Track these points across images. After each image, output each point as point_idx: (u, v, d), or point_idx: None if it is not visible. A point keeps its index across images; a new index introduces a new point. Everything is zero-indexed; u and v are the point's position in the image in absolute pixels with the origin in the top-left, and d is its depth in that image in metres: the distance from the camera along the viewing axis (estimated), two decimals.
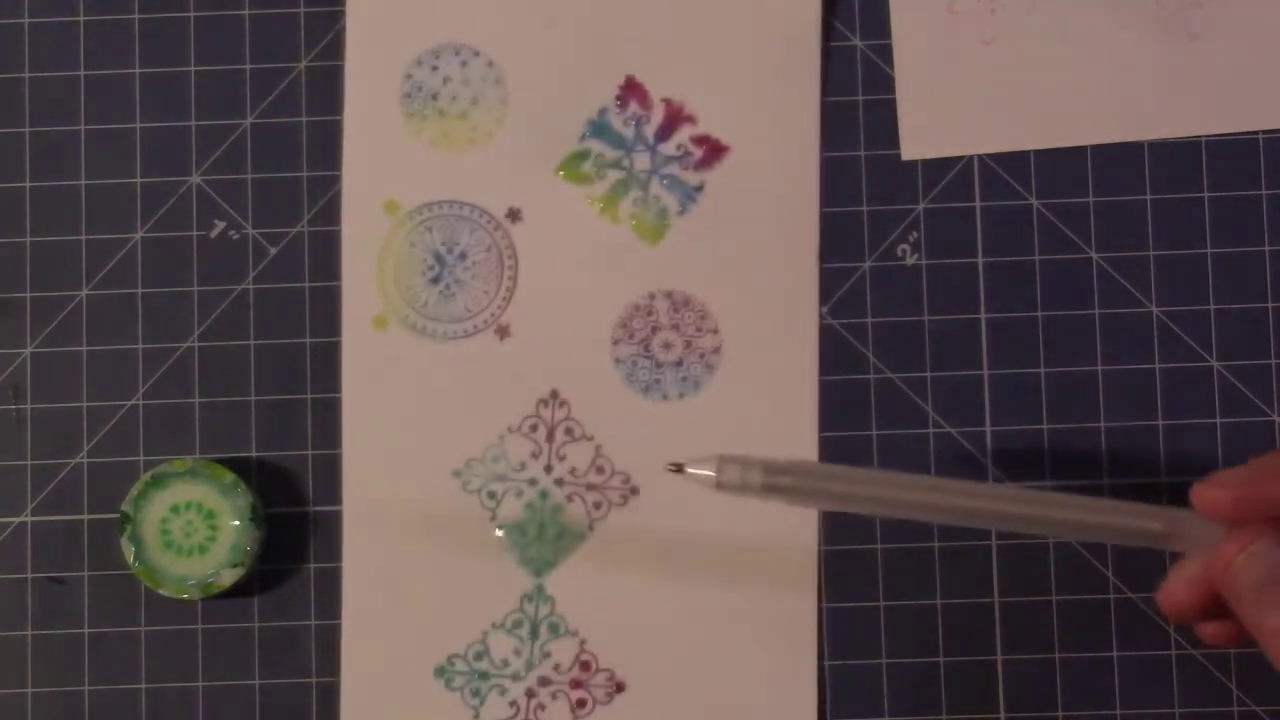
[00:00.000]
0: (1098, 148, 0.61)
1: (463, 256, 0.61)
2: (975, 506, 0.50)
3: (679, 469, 0.51)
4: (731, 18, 0.61)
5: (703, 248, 0.60)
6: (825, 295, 0.60)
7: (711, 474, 0.50)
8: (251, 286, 0.61)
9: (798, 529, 0.59)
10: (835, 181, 0.61)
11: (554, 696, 0.59)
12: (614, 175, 0.61)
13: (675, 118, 0.61)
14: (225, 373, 0.60)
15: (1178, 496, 0.59)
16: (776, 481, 0.50)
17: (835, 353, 0.60)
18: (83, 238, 0.61)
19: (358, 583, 0.60)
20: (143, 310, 0.61)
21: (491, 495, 0.60)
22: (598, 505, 0.60)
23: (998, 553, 0.60)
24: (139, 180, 0.61)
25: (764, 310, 0.60)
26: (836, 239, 0.61)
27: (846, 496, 0.51)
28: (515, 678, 0.59)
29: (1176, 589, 0.49)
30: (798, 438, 0.60)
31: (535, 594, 0.59)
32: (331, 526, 0.60)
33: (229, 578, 0.58)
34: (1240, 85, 0.60)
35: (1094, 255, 0.60)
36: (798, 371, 0.60)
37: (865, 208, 0.61)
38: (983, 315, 0.60)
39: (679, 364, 0.60)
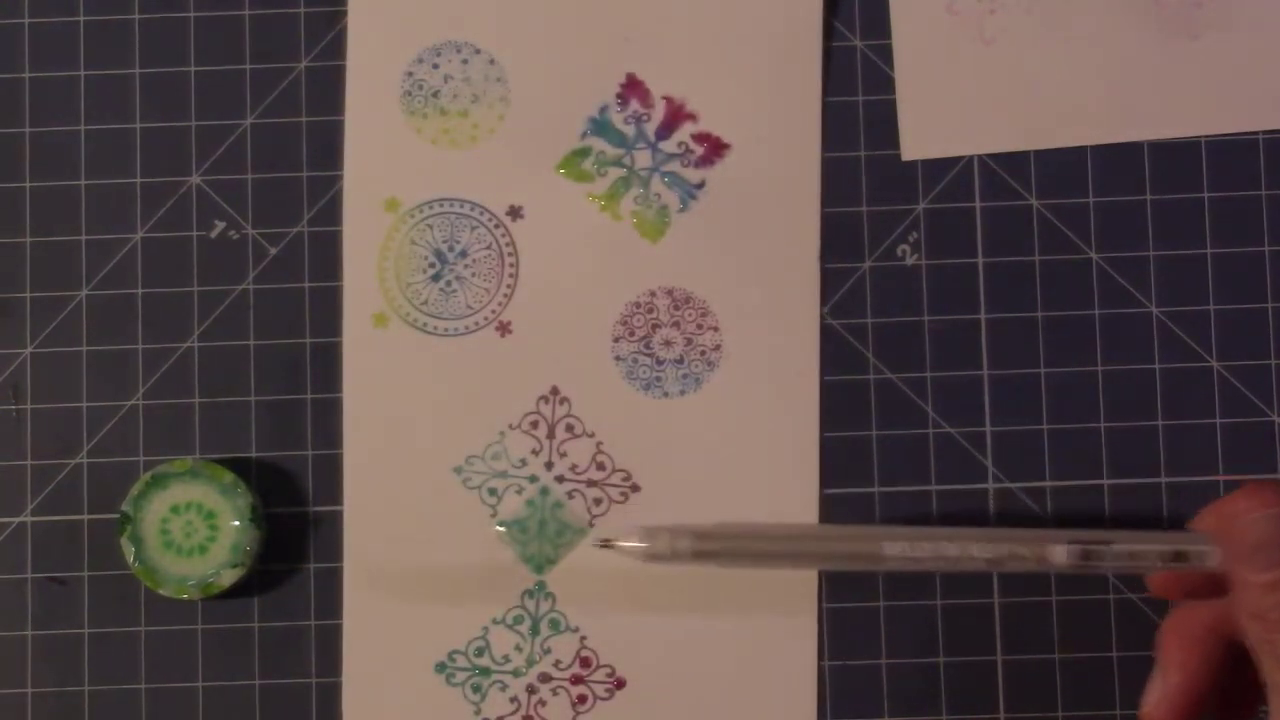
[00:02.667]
0: (1098, 148, 0.61)
1: (463, 254, 0.61)
2: (916, 555, 0.50)
3: (608, 544, 0.53)
4: (732, 16, 0.61)
5: (704, 245, 0.60)
6: (825, 295, 0.60)
7: (642, 545, 0.52)
8: (251, 286, 0.61)
9: None
10: (835, 181, 0.61)
11: (555, 692, 0.59)
12: (615, 173, 0.61)
13: (676, 115, 0.61)
14: (225, 373, 0.60)
15: (1177, 496, 0.59)
16: (706, 547, 0.52)
17: (835, 353, 0.60)
18: (83, 238, 0.61)
19: (358, 581, 0.59)
20: (143, 310, 0.61)
21: (492, 492, 0.60)
22: (598, 502, 0.60)
23: None
24: (139, 180, 0.61)
25: (765, 308, 0.60)
26: (836, 239, 0.61)
27: (777, 556, 0.52)
28: (516, 673, 0.59)
29: (1159, 711, 0.49)
30: (798, 437, 0.60)
31: (536, 590, 0.59)
32: (331, 526, 0.60)
33: (229, 578, 0.58)
34: (1240, 85, 0.60)
35: (1094, 255, 0.60)
36: (799, 369, 0.60)
37: (865, 208, 0.61)
38: (983, 315, 0.60)
39: (680, 361, 0.60)
